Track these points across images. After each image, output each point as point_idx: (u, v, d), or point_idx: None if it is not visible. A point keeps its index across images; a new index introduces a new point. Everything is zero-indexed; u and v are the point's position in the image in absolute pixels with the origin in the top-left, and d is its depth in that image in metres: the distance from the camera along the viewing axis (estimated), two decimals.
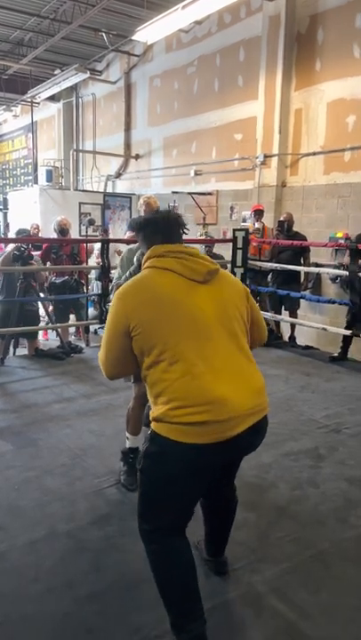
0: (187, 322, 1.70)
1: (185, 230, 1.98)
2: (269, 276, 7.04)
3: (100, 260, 5.99)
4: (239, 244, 6.42)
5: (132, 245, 3.18)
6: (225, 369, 1.70)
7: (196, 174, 9.87)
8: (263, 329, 2.04)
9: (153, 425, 1.71)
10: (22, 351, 6.10)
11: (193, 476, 1.71)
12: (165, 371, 1.67)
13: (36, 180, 12.98)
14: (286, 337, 6.86)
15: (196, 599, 1.77)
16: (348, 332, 5.62)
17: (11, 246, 5.90)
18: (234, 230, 6.61)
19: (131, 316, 1.71)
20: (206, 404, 1.62)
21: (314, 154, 7.63)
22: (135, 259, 2.69)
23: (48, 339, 7.43)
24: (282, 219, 6.91)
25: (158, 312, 1.70)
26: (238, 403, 1.67)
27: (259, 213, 7.19)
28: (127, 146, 11.94)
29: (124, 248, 6.28)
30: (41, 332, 6.95)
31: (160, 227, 1.91)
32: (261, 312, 6.70)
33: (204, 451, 1.64)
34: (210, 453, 1.66)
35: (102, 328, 1.95)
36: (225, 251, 7.28)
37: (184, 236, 2.01)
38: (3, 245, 7.66)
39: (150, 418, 1.73)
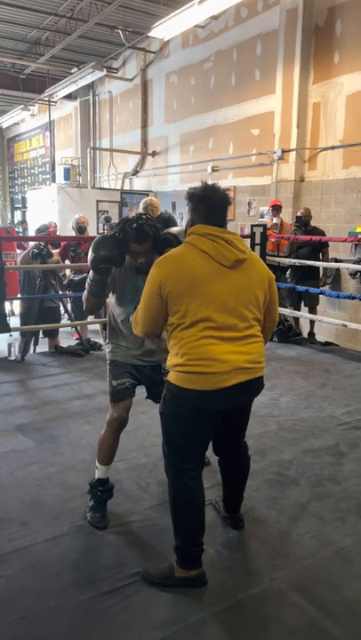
0: (208, 297, 2.01)
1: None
2: (288, 272, 6.99)
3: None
4: (257, 240, 6.38)
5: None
6: (227, 337, 2.03)
7: (213, 170, 9.84)
8: (275, 311, 2.31)
9: (169, 374, 2.12)
10: (42, 348, 6.15)
11: (197, 416, 2.08)
12: (182, 331, 2.04)
13: (53, 179, 13.06)
14: (306, 333, 6.82)
15: (200, 529, 2.16)
16: None
17: (31, 244, 5.96)
18: (252, 226, 6.58)
19: (164, 282, 2.02)
20: (205, 359, 2.00)
21: (333, 148, 7.54)
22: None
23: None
24: (299, 214, 6.85)
25: (186, 284, 2.01)
26: (231, 361, 2.01)
27: (277, 209, 7.15)
28: (144, 143, 11.95)
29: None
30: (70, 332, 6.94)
31: (215, 207, 2.10)
32: (280, 308, 6.63)
33: (201, 396, 2.02)
34: (206, 399, 2.03)
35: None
36: None
37: None
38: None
39: (167, 366, 2.15)
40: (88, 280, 2.60)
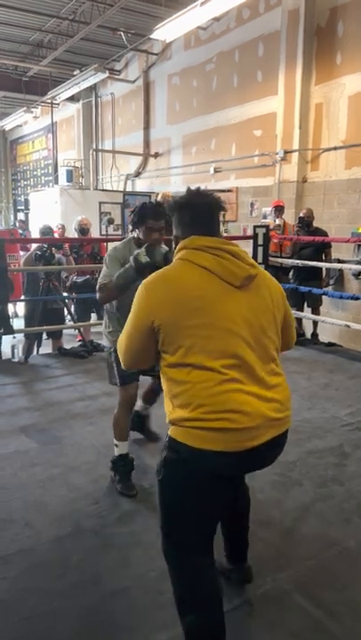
0: (216, 328, 1.58)
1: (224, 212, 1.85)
2: (291, 273, 6.98)
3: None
4: (260, 241, 6.39)
5: (117, 244, 3.06)
6: (250, 379, 1.59)
7: (215, 171, 9.83)
8: (293, 332, 1.92)
9: (170, 430, 1.63)
10: (45, 350, 6.16)
11: (212, 486, 1.62)
12: (189, 373, 1.57)
13: (56, 181, 13.08)
14: (309, 334, 6.81)
15: (220, 628, 1.67)
16: None
17: (33, 246, 5.98)
18: (254, 227, 6.58)
19: (155, 312, 1.60)
20: (228, 411, 1.53)
21: (335, 148, 7.54)
22: (132, 258, 2.65)
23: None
24: (302, 215, 6.85)
25: (186, 313, 1.58)
26: (261, 412, 1.57)
27: (279, 209, 7.15)
28: (146, 144, 11.96)
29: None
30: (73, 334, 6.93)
31: (200, 213, 1.71)
32: None
33: (223, 459, 1.55)
34: (228, 463, 1.57)
35: None
36: (245, 248, 7.23)
37: None
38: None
39: (167, 421, 1.65)
40: (120, 277, 2.70)
